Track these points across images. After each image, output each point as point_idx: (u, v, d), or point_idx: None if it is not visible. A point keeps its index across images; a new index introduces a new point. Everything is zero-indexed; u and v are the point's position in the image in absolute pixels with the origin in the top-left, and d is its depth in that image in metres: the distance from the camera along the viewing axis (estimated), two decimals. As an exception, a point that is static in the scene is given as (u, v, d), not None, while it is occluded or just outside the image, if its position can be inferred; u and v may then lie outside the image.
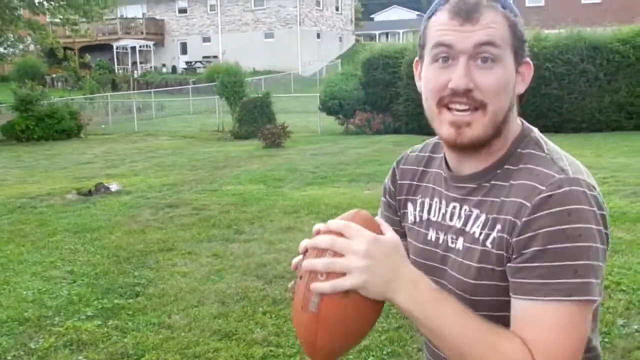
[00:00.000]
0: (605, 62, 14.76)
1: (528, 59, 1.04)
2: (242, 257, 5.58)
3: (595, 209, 0.94)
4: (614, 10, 26.00)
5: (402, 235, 1.19)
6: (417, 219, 1.18)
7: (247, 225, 6.72)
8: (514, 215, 0.96)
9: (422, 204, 1.17)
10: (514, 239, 0.95)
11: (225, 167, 11.40)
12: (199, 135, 18.77)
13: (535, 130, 1.08)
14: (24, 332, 4.09)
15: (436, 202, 1.13)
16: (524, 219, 0.94)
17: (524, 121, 1.09)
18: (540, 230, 0.92)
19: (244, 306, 4.38)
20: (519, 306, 0.94)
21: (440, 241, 1.11)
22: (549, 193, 0.93)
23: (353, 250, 0.90)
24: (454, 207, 1.08)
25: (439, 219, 1.12)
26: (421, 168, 1.20)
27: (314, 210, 7.18)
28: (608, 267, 4.58)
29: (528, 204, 0.94)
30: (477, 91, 0.98)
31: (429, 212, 1.15)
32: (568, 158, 1.01)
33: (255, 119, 16.96)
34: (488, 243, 1.00)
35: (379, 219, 1.01)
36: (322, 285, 0.90)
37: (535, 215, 0.93)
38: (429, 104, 1.04)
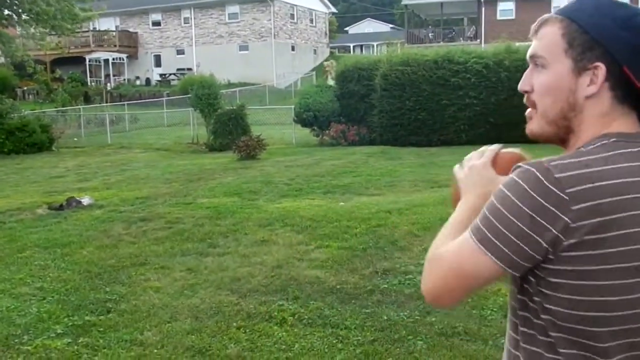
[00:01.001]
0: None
1: (599, 63, 1.09)
2: (216, 271, 5.52)
3: (537, 197, 1.02)
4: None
5: None
6: None
7: (222, 238, 6.67)
8: None
9: None
10: None
11: (199, 179, 11.32)
12: (173, 148, 18.62)
13: (621, 143, 1.09)
14: (-10, 351, 3.98)
15: None
16: None
17: (624, 129, 1.11)
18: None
19: (218, 321, 4.33)
20: None
21: None
22: (519, 165, 1.08)
23: (471, 162, 1.27)
24: None
25: None
26: None
27: (289, 222, 7.15)
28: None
29: None
30: (532, 92, 1.17)
31: None
32: (582, 162, 1.04)
33: (230, 131, 16.89)
34: None
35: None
36: (454, 167, 1.31)
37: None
38: None
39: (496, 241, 1.04)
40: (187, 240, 6.64)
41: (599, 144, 1.09)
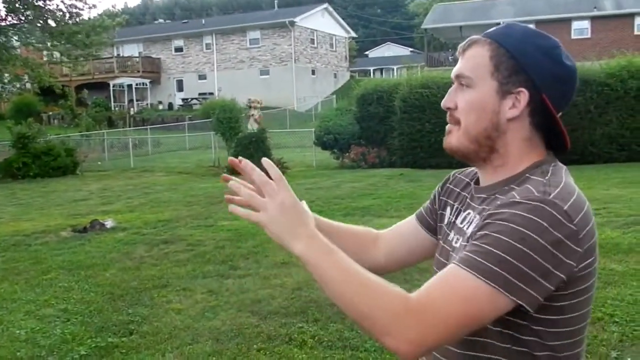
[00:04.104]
0: (595, 95, 14.97)
1: (522, 89, 1.14)
2: (237, 293, 5.57)
3: (556, 232, 1.01)
4: (603, 45, 26.40)
5: (432, 229, 1.41)
6: (448, 222, 1.34)
7: (242, 260, 6.72)
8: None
9: (455, 209, 1.33)
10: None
11: (220, 202, 11.40)
12: (194, 171, 18.81)
13: (559, 166, 1.18)
14: (16, 371, 4.05)
15: (463, 208, 1.30)
16: (489, 212, 1.09)
17: (551, 156, 1.20)
18: (496, 221, 1.05)
19: (239, 343, 4.36)
20: (447, 266, 1.08)
21: (454, 242, 1.26)
22: (520, 200, 1.05)
23: (278, 197, 1.12)
24: (468, 214, 1.26)
25: (459, 223, 1.28)
26: (467, 179, 1.36)
27: (309, 245, 7.16)
28: (601, 298, 4.60)
29: (499, 203, 1.10)
30: (456, 110, 1.20)
31: (456, 217, 1.31)
32: (565, 189, 1.08)
33: (251, 154, 17.02)
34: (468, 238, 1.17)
35: None
36: (238, 211, 1.19)
37: (498, 211, 1.06)
38: None
39: (520, 283, 1.00)
40: (208, 262, 6.71)
41: (550, 168, 1.15)
